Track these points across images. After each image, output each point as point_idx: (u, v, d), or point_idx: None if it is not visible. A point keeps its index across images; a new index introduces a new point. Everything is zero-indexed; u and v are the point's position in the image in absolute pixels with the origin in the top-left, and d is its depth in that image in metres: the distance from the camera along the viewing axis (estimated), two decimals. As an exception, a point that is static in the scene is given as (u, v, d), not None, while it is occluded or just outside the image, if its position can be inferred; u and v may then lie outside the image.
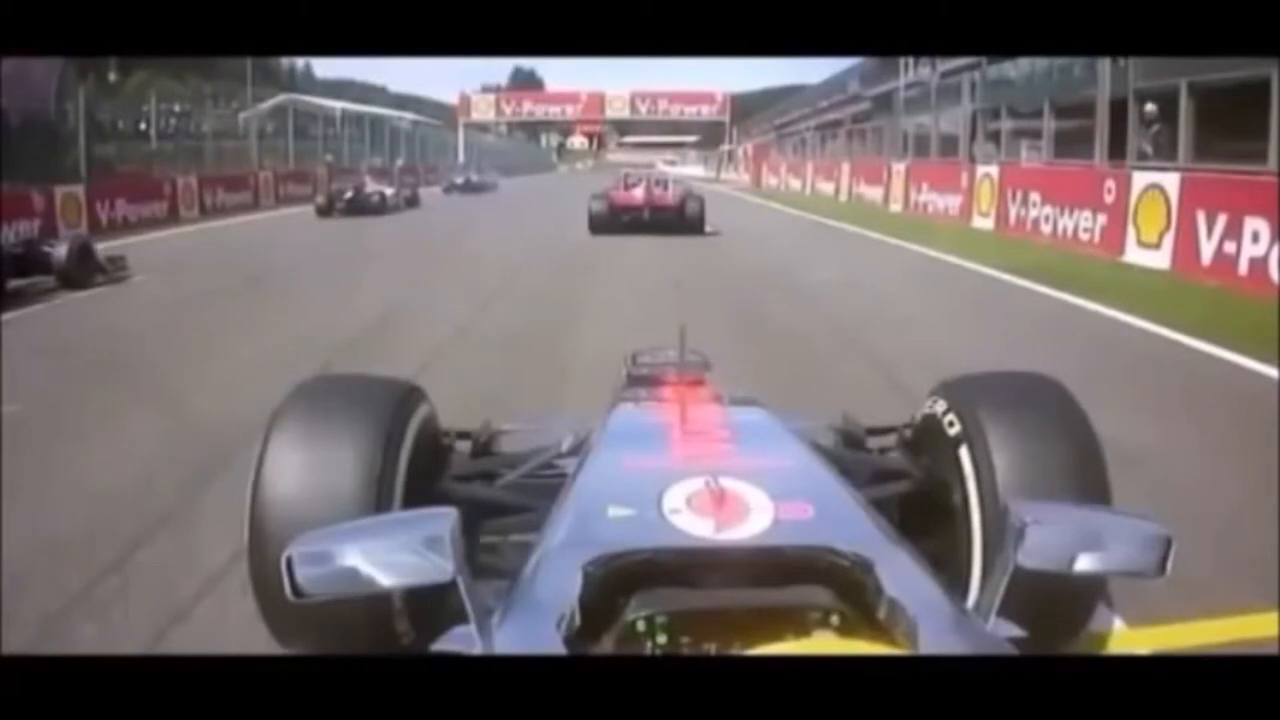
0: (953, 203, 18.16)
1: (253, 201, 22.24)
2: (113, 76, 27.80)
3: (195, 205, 19.30)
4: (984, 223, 16.38)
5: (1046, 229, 13.95)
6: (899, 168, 22.08)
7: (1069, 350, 6.34)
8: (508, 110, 76.47)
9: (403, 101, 68.46)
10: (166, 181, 18.83)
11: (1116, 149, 13.15)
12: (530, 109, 77.79)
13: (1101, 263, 11.38)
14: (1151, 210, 11.04)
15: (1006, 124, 17.65)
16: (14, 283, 9.15)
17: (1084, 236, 12.73)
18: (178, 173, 19.62)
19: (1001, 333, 7.52)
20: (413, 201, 24.29)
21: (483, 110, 74.23)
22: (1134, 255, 11.28)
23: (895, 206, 21.63)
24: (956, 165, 18.79)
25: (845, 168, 27.36)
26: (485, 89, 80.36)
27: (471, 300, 8.86)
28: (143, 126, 21.79)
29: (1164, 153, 11.99)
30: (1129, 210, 11.49)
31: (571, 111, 78.30)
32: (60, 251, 9.73)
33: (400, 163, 36.22)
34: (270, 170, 24.39)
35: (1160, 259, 10.72)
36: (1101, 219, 12.27)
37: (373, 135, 37.04)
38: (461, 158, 53.26)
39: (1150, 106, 12.36)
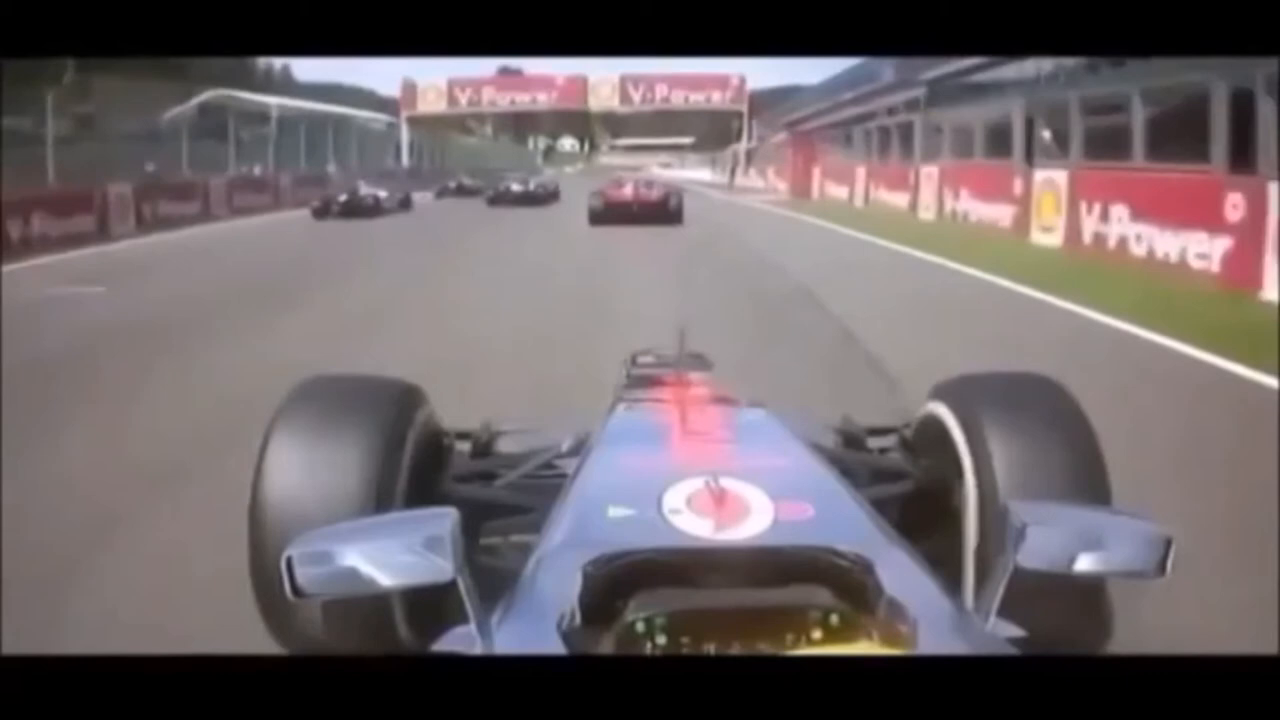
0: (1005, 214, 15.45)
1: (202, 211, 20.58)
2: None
3: (131, 217, 17.60)
4: (1047, 239, 13.68)
5: (1139, 251, 11.36)
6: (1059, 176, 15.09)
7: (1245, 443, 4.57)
8: (463, 100, 55.06)
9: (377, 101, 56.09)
10: (97, 192, 16.90)
11: (1239, 154, 10.39)
12: (492, 98, 56.46)
13: (1230, 299, 8.96)
14: (1306, 233, 8.65)
15: (1076, 120, 14.30)
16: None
17: (1197, 264, 10.22)
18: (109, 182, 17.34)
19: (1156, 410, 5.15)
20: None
21: (431, 101, 53.88)
22: (1276, 291, 8.88)
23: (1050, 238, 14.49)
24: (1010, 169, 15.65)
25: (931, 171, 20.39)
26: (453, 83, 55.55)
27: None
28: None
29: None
30: (1269, 232, 9.07)
31: (545, 100, 57.43)
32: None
33: (332, 169, 31.77)
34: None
35: (1321, 296, 8.40)
36: (1223, 242, 9.81)
37: (309, 137, 31.62)
38: (406, 160, 45.59)
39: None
